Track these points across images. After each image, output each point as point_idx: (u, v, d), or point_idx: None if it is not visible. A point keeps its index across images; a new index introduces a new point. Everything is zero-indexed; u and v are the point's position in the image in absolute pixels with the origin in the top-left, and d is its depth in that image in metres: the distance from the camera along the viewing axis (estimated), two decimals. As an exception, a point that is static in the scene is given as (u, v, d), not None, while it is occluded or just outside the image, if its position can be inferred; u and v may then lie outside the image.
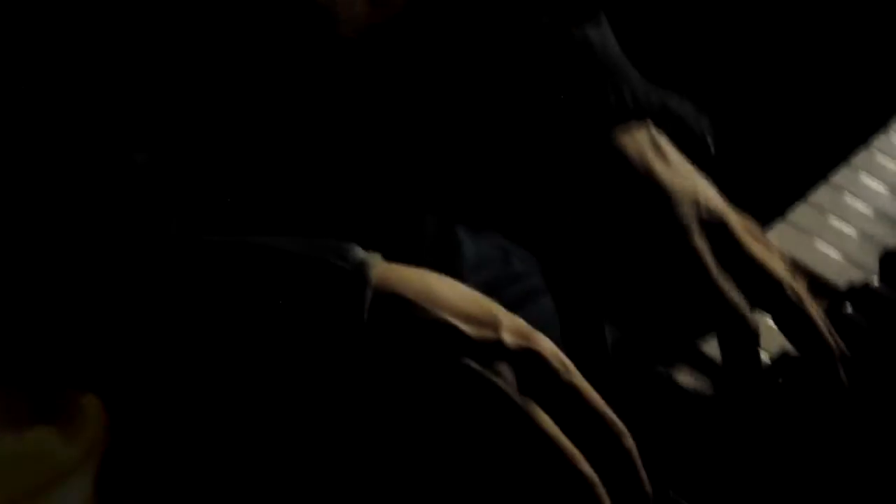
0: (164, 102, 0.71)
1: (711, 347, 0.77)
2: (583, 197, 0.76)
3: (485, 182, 0.82)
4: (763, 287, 0.76)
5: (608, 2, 0.83)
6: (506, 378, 0.62)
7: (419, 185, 0.89)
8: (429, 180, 0.88)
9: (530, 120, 0.78)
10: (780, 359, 0.77)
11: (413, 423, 0.62)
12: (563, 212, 0.77)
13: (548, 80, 0.78)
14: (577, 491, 0.61)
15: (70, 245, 0.62)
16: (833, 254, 0.86)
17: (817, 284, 0.79)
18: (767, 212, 0.87)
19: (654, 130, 0.79)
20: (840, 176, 0.92)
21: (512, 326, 0.64)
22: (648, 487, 0.63)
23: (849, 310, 0.80)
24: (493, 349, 0.62)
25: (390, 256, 0.65)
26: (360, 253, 0.63)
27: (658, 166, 0.77)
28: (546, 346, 0.64)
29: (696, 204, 0.76)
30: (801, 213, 0.88)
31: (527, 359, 0.63)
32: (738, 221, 0.78)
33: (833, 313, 0.79)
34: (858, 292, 0.82)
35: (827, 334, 0.75)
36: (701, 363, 0.77)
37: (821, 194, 0.90)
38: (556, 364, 0.64)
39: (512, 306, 0.66)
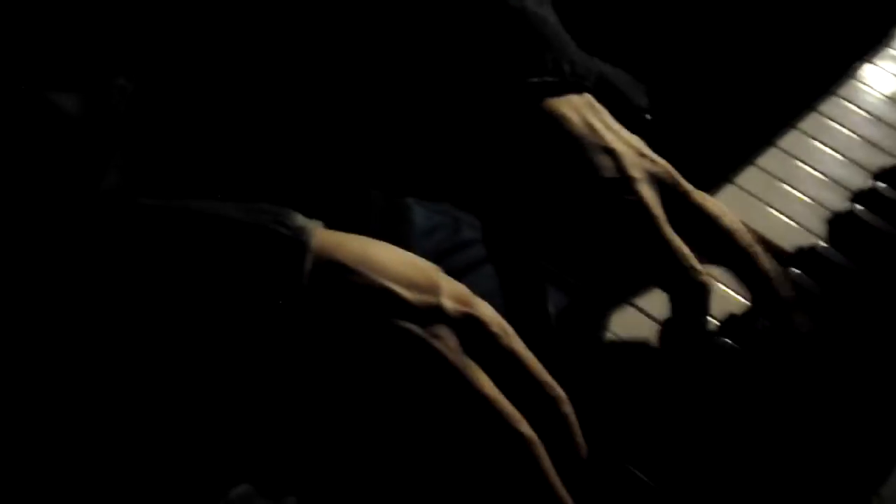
0: (146, 33, 0.70)
1: (651, 305, 0.77)
2: (525, 161, 0.76)
3: (431, 151, 0.82)
4: (714, 237, 0.75)
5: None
6: (445, 341, 0.62)
7: (366, 154, 0.88)
8: (376, 149, 0.88)
9: (469, 89, 0.78)
10: (729, 319, 0.77)
11: (353, 389, 0.62)
12: (505, 178, 0.76)
13: (484, 49, 0.78)
14: (517, 451, 0.61)
15: None
16: (782, 218, 0.86)
17: (766, 249, 0.79)
18: (713, 177, 0.87)
19: (592, 99, 0.78)
20: (788, 140, 0.91)
21: (452, 292, 0.64)
22: (584, 452, 0.63)
23: (797, 273, 0.80)
24: (432, 313, 0.62)
25: (337, 225, 0.65)
26: (300, 219, 0.63)
27: (599, 125, 0.76)
28: (486, 311, 0.64)
29: (642, 156, 0.76)
30: (749, 178, 0.88)
31: (467, 324, 0.63)
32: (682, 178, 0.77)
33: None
34: (807, 256, 0.82)
35: (782, 281, 0.75)
36: (647, 328, 0.77)
37: (769, 159, 0.90)
38: (496, 329, 0.63)
39: (459, 273, 0.66)
